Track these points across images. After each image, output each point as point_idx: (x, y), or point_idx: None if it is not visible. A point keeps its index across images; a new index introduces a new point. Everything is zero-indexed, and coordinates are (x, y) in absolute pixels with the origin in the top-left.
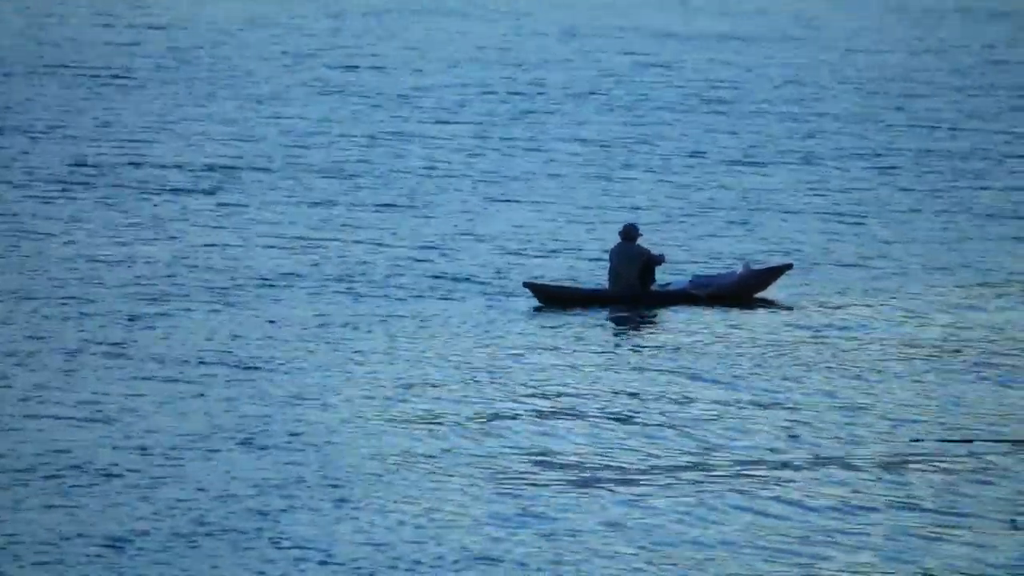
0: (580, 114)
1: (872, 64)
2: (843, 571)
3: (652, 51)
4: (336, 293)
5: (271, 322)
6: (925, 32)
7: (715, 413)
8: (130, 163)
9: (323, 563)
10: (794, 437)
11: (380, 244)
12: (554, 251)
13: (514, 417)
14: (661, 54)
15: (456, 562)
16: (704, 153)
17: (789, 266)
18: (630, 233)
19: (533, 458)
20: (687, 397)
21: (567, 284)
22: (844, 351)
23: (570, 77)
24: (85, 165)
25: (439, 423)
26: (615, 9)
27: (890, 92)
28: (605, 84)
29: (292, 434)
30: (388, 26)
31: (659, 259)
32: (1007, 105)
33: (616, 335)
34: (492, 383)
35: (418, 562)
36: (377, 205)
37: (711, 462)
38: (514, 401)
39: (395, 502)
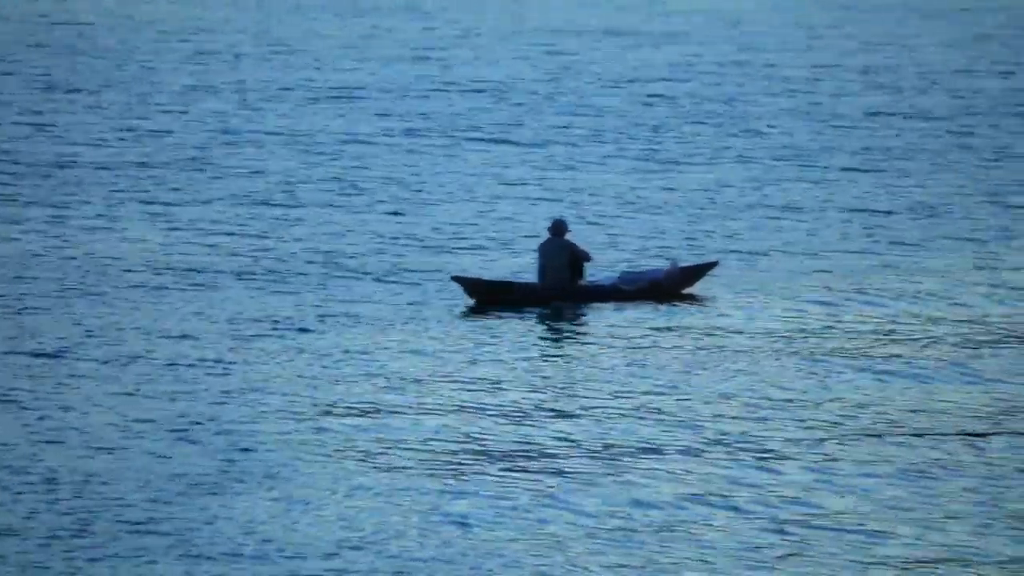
0: (517, 112)
1: (805, 62)
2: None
3: (588, 49)
4: (268, 289)
5: (203, 317)
6: (858, 29)
7: (640, 406)
8: (59, 162)
9: (256, 557)
10: (716, 430)
11: (313, 240)
12: (484, 246)
13: (442, 410)
14: (597, 52)
15: (385, 552)
16: (635, 151)
17: (715, 263)
18: (559, 228)
19: (461, 451)
20: (614, 391)
21: (497, 279)
22: (767, 346)
23: (509, 75)
24: (16, 163)
25: (369, 417)
26: (555, 8)
27: (820, 90)
28: (542, 82)
29: (223, 430)
30: (323, 24)
31: (586, 256)
32: (937, 101)
33: (544, 330)
34: (420, 377)
35: (353, 548)
36: (310, 201)
37: (634, 454)
38: (442, 394)
39: (326, 494)
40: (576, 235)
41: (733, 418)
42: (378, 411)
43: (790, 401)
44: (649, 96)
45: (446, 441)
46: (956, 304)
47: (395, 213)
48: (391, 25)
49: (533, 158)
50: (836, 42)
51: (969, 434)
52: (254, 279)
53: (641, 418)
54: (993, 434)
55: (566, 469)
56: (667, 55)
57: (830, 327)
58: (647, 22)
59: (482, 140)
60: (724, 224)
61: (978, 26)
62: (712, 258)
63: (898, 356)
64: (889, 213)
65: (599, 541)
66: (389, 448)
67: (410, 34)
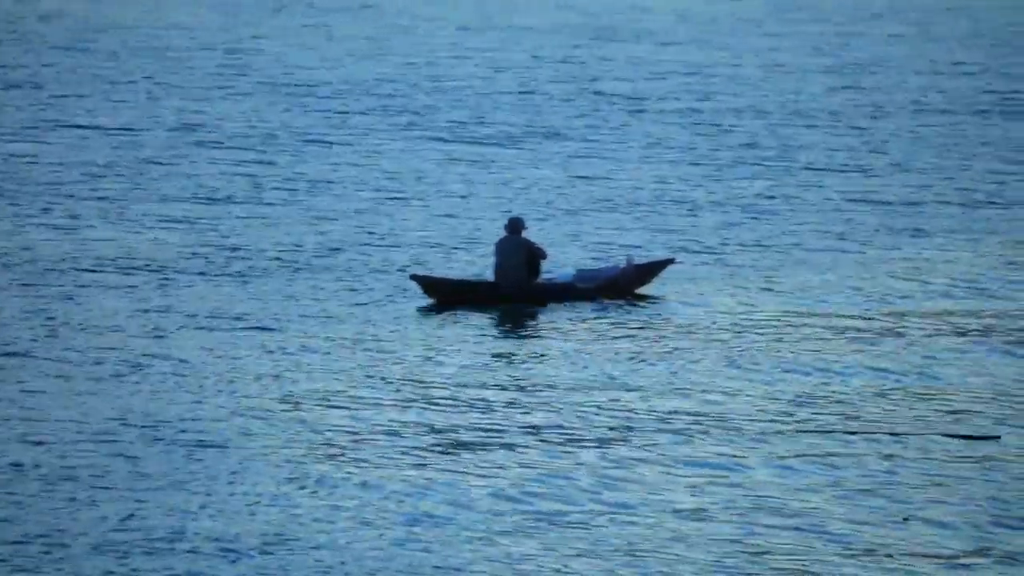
0: (477, 110)
1: (767, 62)
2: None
3: (546, 46)
4: (228, 285)
5: (162, 314)
6: (819, 28)
7: (597, 404)
8: (13, 160)
9: (225, 552)
10: (672, 426)
11: (273, 237)
12: (443, 243)
13: (400, 407)
14: (557, 50)
15: (346, 546)
16: (593, 147)
17: (671, 261)
18: (516, 226)
19: (419, 446)
20: (571, 388)
21: (455, 278)
22: (722, 343)
23: (469, 73)
24: None
25: (329, 413)
26: (519, 5)
27: (784, 89)
28: (500, 79)
29: (183, 426)
30: (279, 22)
31: (542, 254)
32: (899, 99)
33: (501, 328)
34: (379, 374)
35: (315, 547)
36: (271, 199)
37: (592, 449)
38: (400, 392)
39: (291, 490)
40: (532, 232)
41: (689, 413)
42: (337, 407)
43: (746, 396)
44: (607, 94)
45: (405, 437)
46: (912, 299)
47: (357, 211)
48: (350, 21)
49: (492, 155)
50: (797, 41)
51: (914, 434)
52: (214, 276)
53: (598, 415)
54: (947, 435)
55: (523, 464)
56: (627, 52)
57: (785, 323)
58: (608, 19)
59: (441, 138)
60: (680, 221)
61: (938, 26)
62: (667, 255)
63: (853, 352)
64: (845, 210)
65: (558, 533)
66: (349, 443)
67: (367, 30)
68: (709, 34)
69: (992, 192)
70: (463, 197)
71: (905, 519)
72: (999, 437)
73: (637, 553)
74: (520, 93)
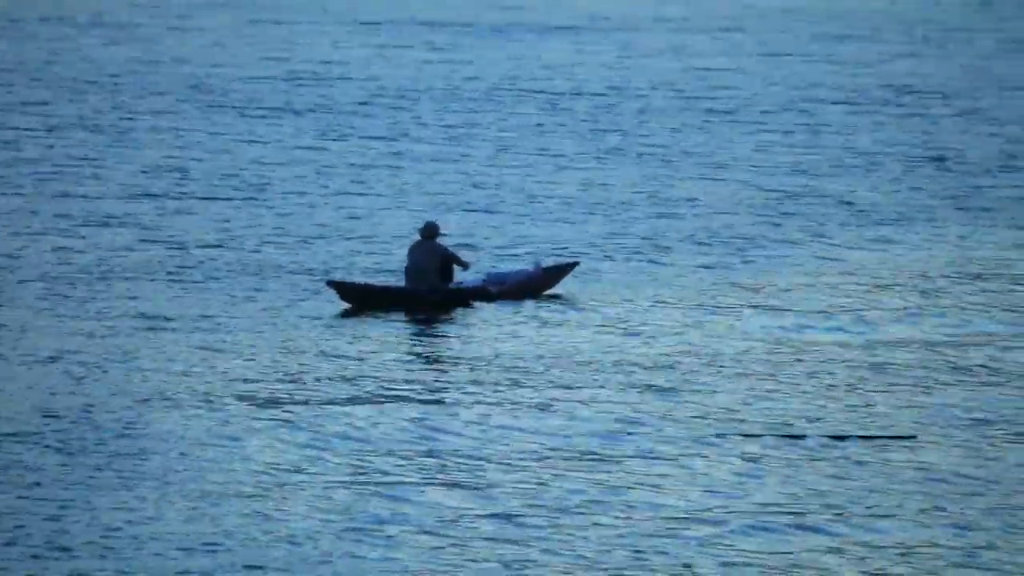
0: (392, 112)
1: (685, 65)
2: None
3: (462, 45)
4: (151, 287)
5: (83, 315)
6: (742, 28)
7: (508, 408)
8: None
9: (158, 554)
10: (579, 434)
11: (194, 239)
12: (360, 248)
13: (313, 411)
14: (472, 49)
15: (262, 552)
16: (506, 149)
17: (576, 264)
18: (431, 231)
19: (330, 451)
20: (481, 393)
21: (371, 282)
22: (628, 347)
23: (389, 73)
24: None
25: (246, 415)
26: (440, 3)
27: (702, 87)
28: (418, 79)
29: (106, 427)
30: (197, 21)
31: (462, 263)
32: (818, 98)
33: (415, 333)
34: (294, 379)
35: (228, 549)
36: (200, 196)
37: (499, 457)
38: (314, 396)
39: (212, 492)
40: (448, 236)
41: (604, 414)
42: (258, 410)
43: (657, 399)
44: (525, 93)
45: (313, 444)
46: (823, 300)
47: (278, 213)
48: (269, 22)
49: (411, 157)
50: (722, 44)
51: (830, 436)
52: (135, 278)
53: (513, 419)
54: (864, 436)
55: (432, 468)
56: (544, 49)
57: (695, 325)
58: (533, 17)
59: (367, 138)
60: (586, 224)
61: (854, 27)
62: (572, 258)
63: (768, 353)
64: (756, 211)
65: (476, 541)
66: (270, 445)
67: (286, 33)
68: (630, 31)
69: (898, 197)
70: (382, 198)
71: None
72: (915, 436)
73: (559, 553)
74: (437, 91)
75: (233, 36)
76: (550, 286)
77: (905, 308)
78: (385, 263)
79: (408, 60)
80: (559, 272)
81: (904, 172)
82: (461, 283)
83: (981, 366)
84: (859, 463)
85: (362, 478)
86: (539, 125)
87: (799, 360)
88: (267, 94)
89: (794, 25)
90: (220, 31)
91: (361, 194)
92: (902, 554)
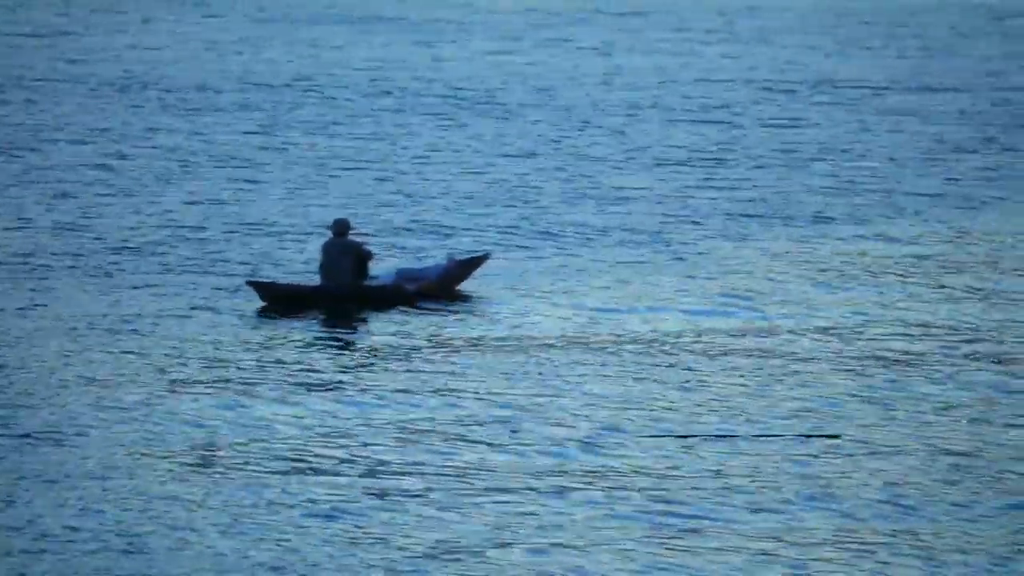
0: (315, 106)
1: (598, 57)
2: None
3: (392, 44)
4: (66, 284)
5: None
6: (666, 29)
7: (428, 403)
8: None
9: (81, 550)
10: (501, 426)
11: (113, 235)
12: (273, 247)
13: (233, 411)
14: (389, 48)
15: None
16: (417, 144)
17: (487, 257)
18: (342, 228)
19: (250, 452)
20: (400, 391)
21: (289, 282)
22: (539, 339)
23: (318, 70)
24: None
25: (161, 416)
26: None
27: (608, 82)
28: (337, 74)
29: (22, 430)
30: (119, 19)
31: (369, 255)
32: (747, 97)
33: (332, 332)
34: (212, 379)
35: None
36: (119, 194)
37: (419, 451)
38: (234, 397)
39: (123, 495)
40: (357, 232)
41: (518, 408)
42: (166, 416)
43: (570, 394)
44: (431, 87)
45: (234, 445)
46: (743, 299)
47: (199, 213)
48: (194, 18)
49: (325, 151)
50: (651, 41)
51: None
52: (51, 276)
53: (430, 413)
54: (789, 435)
55: (350, 468)
56: (466, 49)
57: (608, 319)
58: (452, 16)
59: (276, 134)
60: (496, 216)
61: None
62: (483, 251)
63: (684, 351)
64: (667, 206)
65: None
66: (191, 444)
67: (211, 28)
68: (551, 30)
69: (820, 191)
70: (291, 199)
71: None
72: (839, 436)
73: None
74: (351, 87)
75: (153, 30)
76: (463, 280)
77: (825, 302)
78: (300, 261)
79: (329, 56)
80: (471, 265)
81: (825, 167)
82: (375, 279)
83: (900, 359)
84: (786, 460)
85: (278, 470)
86: (445, 118)
87: (728, 357)
88: (187, 90)
89: (708, 17)
90: (142, 25)
91: (283, 195)
92: (824, 546)
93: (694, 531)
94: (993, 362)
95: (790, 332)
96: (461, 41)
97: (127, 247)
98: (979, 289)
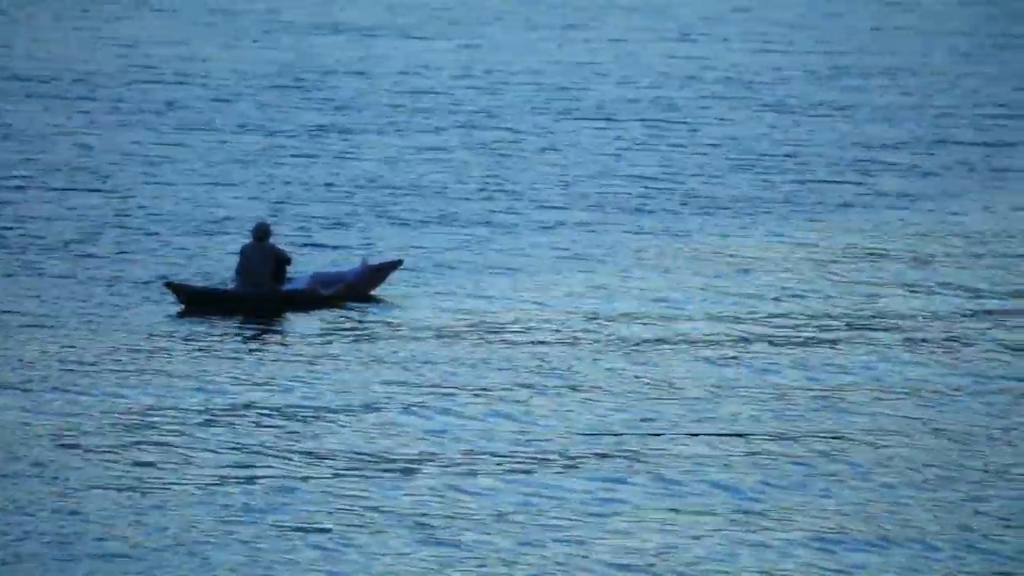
0: (231, 108)
1: (531, 59)
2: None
3: (313, 41)
4: None
5: None
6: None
7: (342, 406)
8: None
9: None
10: (399, 428)
11: (31, 235)
12: (191, 249)
13: (152, 411)
14: (315, 45)
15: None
16: (331, 147)
17: (399, 262)
18: (262, 232)
19: (166, 456)
20: (320, 394)
21: (207, 286)
22: (462, 343)
23: (242, 69)
24: None
25: (73, 417)
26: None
27: (535, 83)
28: (252, 73)
29: None
30: (27, 11)
31: (288, 259)
32: (661, 93)
33: (252, 335)
34: (130, 384)
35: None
36: (37, 193)
37: (340, 460)
38: (153, 396)
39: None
40: (277, 236)
41: (436, 410)
42: (87, 409)
43: (492, 394)
44: (345, 88)
45: (151, 450)
46: (646, 299)
47: (117, 214)
48: (109, 16)
49: (241, 154)
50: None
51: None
52: None
53: (345, 415)
54: (692, 435)
55: (270, 473)
56: (387, 48)
57: (519, 321)
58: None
59: (195, 136)
60: (408, 222)
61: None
62: (396, 256)
63: (592, 353)
64: (577, 208)
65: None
66: (99, 445)
67: (141, 27)
68: (471, 31)
69: (743, 189)
70: (210, 202)
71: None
72: (743, 436)
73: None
74: (267, 88)
75: (66, 28)
76: (376, 285)
77: (750, 297)
78: (219, 264)
79: (252, 54)
80: (384, 270)
81: (751, 165)
82: (290, 281)
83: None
84: (687, 459)
85: (198, 475)
86: (351, 125)
87: (632, 359)
88: (106, 88)
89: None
90: (53, 22)
91: (202, 196)
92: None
93: (610, 522)
94: (923, 349)
95: (694, 321)
96: (386, 38)
97: (45, 247)
98: (905, 283)
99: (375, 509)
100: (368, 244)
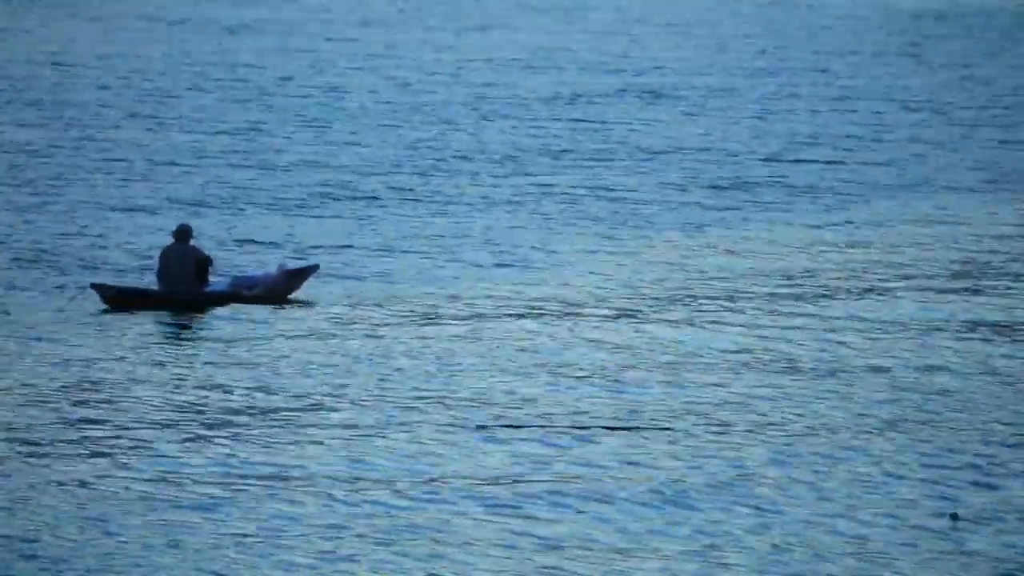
0: (154, 108)
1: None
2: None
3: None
4: None
5: None
6: (568, 28)
7: (267, 406)
8: None
9: None
10: (322, 429)
11: None
12: (113, 248)
13: (72, 413)
14: (245, 46)
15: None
16: (256, 149)
17: (316, 267)
18: (183, 234)
19: (91, 451)
20: (249, 396)
21: (131, 286)
22: (373, 348)
23: (145, 67)
24: None
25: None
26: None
27: (500, 84)
28: (179, 75)
29: None
30: None
31: (210, 261)
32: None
33: (172, 334)
34: (55, 381)
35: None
36: None
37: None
38: (75, 398)
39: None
40: (198, 238)
41: (357, 404)
42: (10, 409)
43: (424, 394)
44: (263, 87)
45: (78, 438)
46: (574, 290)
47: (41, 213)
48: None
49: (166, 157)
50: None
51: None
52: None
53: (270, 415)
54: (618, 428)
55: (199, 474)
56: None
57: (447, 321)
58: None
59: (124, 134)
60: (325, 225)
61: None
62: (313, 261)
63: (517, 348)
64: (502, 211)
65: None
66: (16, 448)
67: (60, 30)
68: (396, 27)
69: (667, 190)
70: (136, 196)
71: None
72: (671, 429)
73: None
74: (193, 88)
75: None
76: (294, 288)
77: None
78: (142, 265)
79: (184, 55)
80: (301, 274)
81: (677, 167)
82: (210, 285)
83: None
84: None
85: (132, 476)
86: (265, 126)
87: (563, 351)
88: (29, 85)
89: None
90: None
91: (125, 195)
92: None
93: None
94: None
95: (630, 322)
96: (312, 37)
97: None
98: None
99: (287, 518)
100: (287, 247)
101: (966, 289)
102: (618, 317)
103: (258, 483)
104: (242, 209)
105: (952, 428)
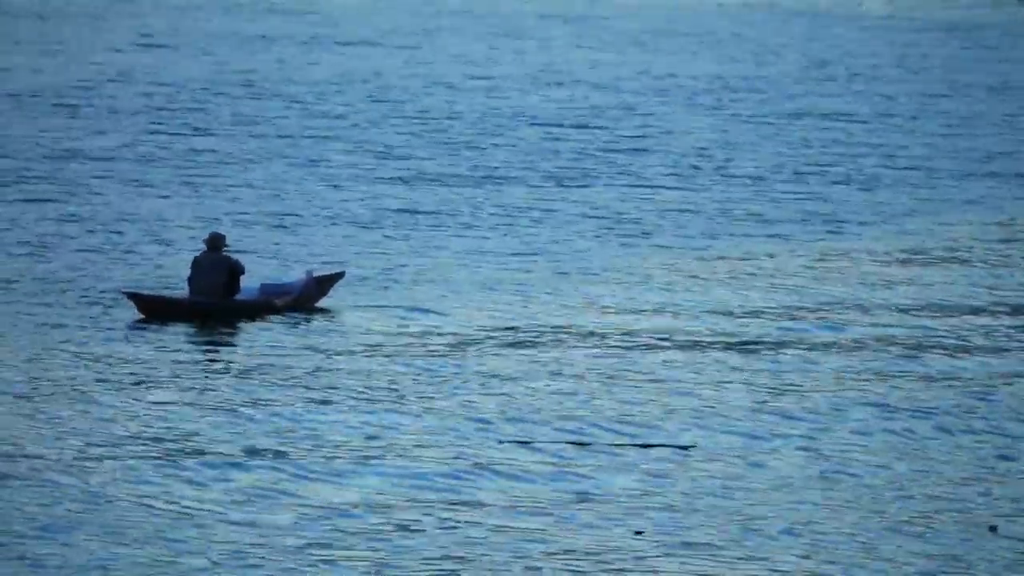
0: (183, 116)
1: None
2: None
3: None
4: None
5: None
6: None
7: (297, 416)
8: None
9: None
10: (367, 437)
11: None
12: (149, 257)
13: (108, 420)
14: (266, 56)
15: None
16: (280, 160)
17: (342, 274)
18: (216, 243)
19: (127, 459)
20: (272, 400)
21: (165, 295)
22: (396, 355)
23: (182, 79)
24: None
25: (31, 429)
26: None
27: (468, 102)
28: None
29: None
30: None
31: (242, 269)
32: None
33: (207, 343)
34: (89, 390)
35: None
36: None
37: (293, 462)
38: (110, 406)
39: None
40: (229, 248)
41: (385, 426)
42: (47, 420)
43: (438, 406)
44: (294, 101)
45: (117, 446)
46: (596, 309)
47: (76, 222)
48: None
49: (193, 166)
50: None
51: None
52: None
53: (299, 425)
54: (644, 445)
55: (237, 476)
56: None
57: (466, 334)
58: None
59: (156, 143)
60: (351, 234)
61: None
62: (339, 269)
63: (538, 363)
64: (529, 222)
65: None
66: (67, 451)
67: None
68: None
69: (649, 204)
70: (169, 206)
71: (992, 528)
72: (694, 446)
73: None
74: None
75: (23, 36)
76: (322, 295)
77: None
78: (175, 274)
79: (215, 65)
80: (328, 282)
81: (663, 178)
82: (242, 294)
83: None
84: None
85: (152, 480)
86: (312, 137)
87: (583, 368)
88: (55, 92)
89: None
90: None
91: (160, 205)
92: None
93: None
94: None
95: (647, 343)
96: (333, 50)
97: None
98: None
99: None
100: (312, 255)
101: (999, 304)
102: (658, 337)
103: (291, 483)
104: (269, 219)
105: (996, 438)
